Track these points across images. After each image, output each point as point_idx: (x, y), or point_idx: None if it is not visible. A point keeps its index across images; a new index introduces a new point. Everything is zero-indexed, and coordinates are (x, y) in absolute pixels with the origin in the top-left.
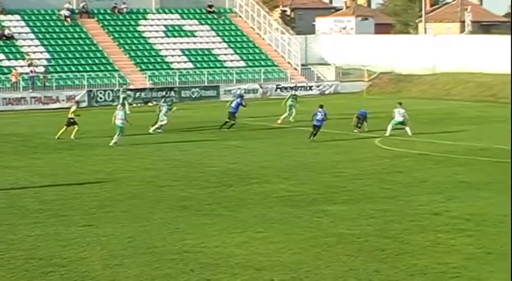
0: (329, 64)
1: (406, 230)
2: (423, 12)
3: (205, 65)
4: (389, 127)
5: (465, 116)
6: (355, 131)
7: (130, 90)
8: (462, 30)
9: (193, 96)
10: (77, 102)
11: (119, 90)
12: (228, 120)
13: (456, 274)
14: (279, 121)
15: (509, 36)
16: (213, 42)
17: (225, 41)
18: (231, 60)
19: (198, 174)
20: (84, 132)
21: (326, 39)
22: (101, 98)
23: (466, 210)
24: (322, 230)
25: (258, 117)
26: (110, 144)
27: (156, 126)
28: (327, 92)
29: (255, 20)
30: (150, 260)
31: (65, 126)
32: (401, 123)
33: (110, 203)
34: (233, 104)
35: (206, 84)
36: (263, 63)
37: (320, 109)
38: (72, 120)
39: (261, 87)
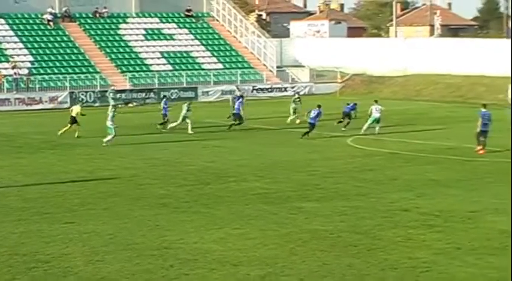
0: (303, 66)
1: (377, 226)
2: (394, 16)
3: (183, 67)
4: (366, 125)
5: (435, 116)
6: (343, 129)
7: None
8: (431, 34)
9: (172, 98)
10: (81, 101)
11: (106, 91)
12: (234, 122)
13: (426, 269)
14: (298, 121)
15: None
16: (191, 45)
17: (203, 44)
18: (209, 63)
19: (176, 173)
20: (67, 133)
21: (300, 42)
22: (82, 99)
23: (435, 207)
24: (296, 227)
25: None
26: (104, 144)
27: (173, 124)
28: (301, 93)
29: (231, 24)
30: (131, 256)
31: (68, 125)
32: (378, 120)
33: (91, 201)
34: (236, 105)
35: (185, 85)
36: (240, 65)
37: (317, 108)
38: (74, 118)
39: (238, 88)
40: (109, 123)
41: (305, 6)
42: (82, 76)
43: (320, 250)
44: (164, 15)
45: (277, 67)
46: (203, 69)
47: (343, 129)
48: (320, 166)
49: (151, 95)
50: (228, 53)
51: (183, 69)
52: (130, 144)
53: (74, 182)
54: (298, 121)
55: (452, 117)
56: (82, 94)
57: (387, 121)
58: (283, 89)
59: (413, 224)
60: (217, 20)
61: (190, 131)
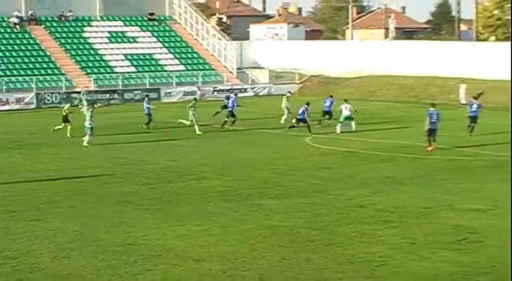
0: (263, 68)
1: (334, 222)
2: (350, 19)
3: (146, 69)
4: (339, 125)
5: (389, 115)
6: (317, 126)
7: (77, 93)
8: (386, 36)
9: (136, 98)
10: (70, 101)
11: (79, 92)
12: (226, 119)
13: (382, 263)
14: (282, 121)
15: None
16: (154, 48)
17: (165, 47)
18: (171, 65)
19: (140, 171)
20: (33, 133)
21: (260, 44)
22: (48, 100)
23: (390, 203)
24: (257, 223)
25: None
26: (83, 144)
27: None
28: (261, 93)
29: (193, 27)
30: (96, 252)
31: (62, 123)
32: (348, 118)
33: (57, 199)
34: (230, 104)
35: (148, 87)
36: (201, 67)
37: (306, 105)
38: (65, 117)
39: (199, 89)
40: (87, 123)
41: (264, 9)
42: (48, 78)
43: (279, 245)
44: (128, 18)
45: (238, 69)
46: (166, 71)
47: (328, 122)
48: (280, 164)
49: (116, 96)
50: (189, 55)
51: (146, 71)
52: (96, 144)
53: (41, 181)
54: (294, 120)
55: (406, 116)
56: (48, 95)
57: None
58: (243, 90)
59: (369, 220)
60: (179, 23)
61: (198, 132)
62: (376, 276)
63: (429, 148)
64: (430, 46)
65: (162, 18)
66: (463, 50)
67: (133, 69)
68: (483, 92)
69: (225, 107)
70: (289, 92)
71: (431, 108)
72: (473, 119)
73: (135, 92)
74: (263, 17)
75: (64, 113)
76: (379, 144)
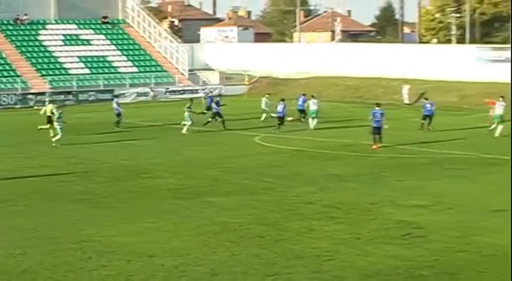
0: (213, 69)
1: (283, 218)
2: (297, 22)
3: (100, 71)
4: (310, 121)
5: (335, 115)
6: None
7: (32, 94)
8: (332, 39)
9: (90, 99)
10: (52, 101)
11: (27, 93)
12: (210, 119)
13: (329, 257)
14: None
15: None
16: (108, 50)
17: (119, 49)
18: (124, 66)
19: (94, 170)
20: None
21: (210, 47)
22: (4, 101)
23: (336, 199)
24: (208, 220)
25: (149, 119)
26: (53, 144)
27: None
28: (210, 94)
29: (145, 30)
30: (51, 249)
31: (48, 124)
32: (316, 112)
33: (13, 197)
34: (213, 105)
35: (102, 88)
36: (153, 69)
37: (281, 102)
38: (49, 117)
39: (152, 90)
40: (56, 124)
41: (215, 13)
42: (4, 80)
43: (230, 241)
44: (82, 21)
45: (189, 70)
46: (119, 72)
47: (303, 120)
48: (230, 162)
49: (70, 97)
50: (142, 58)
51: (100, 73)
52: (51, 144)
53: None
54: (290, 118)
55: (351, 116)
56: (4, 97)
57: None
58: (194, 91)
59: (317, 216)
60: (132, 27)
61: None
62: (323, 270)
63: (374, 146)
64: (375, 48)
65: (115, 21)
66: (407, 52)
67: (87, 71)
68: (425, 92)
69: (209, 108)
70: (268, 94)
71: (376, 108)
72: (429, 117)
73: (89, 93)
74: (214, 20)
75: (48, 114)
76: (326, 143)
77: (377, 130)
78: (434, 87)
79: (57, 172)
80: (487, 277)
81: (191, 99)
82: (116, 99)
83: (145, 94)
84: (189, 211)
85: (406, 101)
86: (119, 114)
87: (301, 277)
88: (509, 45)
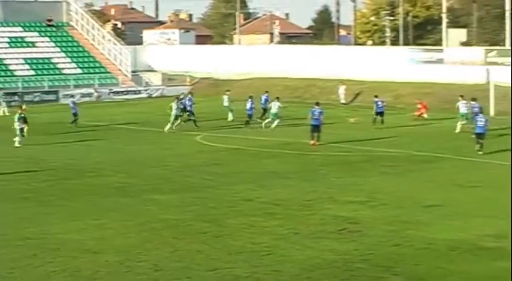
0: (156, 71)
1: (224, 214)
2: (237, 25)
3: (45, 72)
4: (271, 121)
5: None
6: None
7: None
8: (271, 41)
9: (35, 100)
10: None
11: None
12: (189, 118)
13: (268, 252)
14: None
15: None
16: (53, 52)
17: (63, 51)
18: (69, 68)
19: (39, 169)
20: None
21: (153, 49)
22: None
23: (275, 196)
24: (151, 217)
25: (94, 119)
26: (15, 145)
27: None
28: (154, 95)
29: (89, 33)
30: None
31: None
32: (275, 115)
33: None
34: (188, 103)
35: (47, 89)
36: (97, 70)
37: (249, 99)
38: (24, 118)
39: (96, 91)
40: (16, 124)
41: (157, 16)
42: None
43: (172, 237)
44: (27, 24)
45: (132, 72)
46: (63, 74)
47: (266, 122)
48: (172, 161)
49: (16, 98)
50: (86, 59)
51: (45, 74)
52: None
53: None
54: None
55: (290, 116)
56: None
57: (235, 120)
58: (137, 92)
59: (256, 213)
60: (76, 29)
61: (167, 127)
62: (263, 265)
63: (311, 142)
64: (312, 50)
65: (59, 24)
66: (343, 54)
67: (32, 72)
68: (360, 93)
69: (184, 109)
70: (228, 90)
71: (316, 107)
72: (380, 114)
73: (35, 94)
74: (156, 23)
75: (22, 114)
76: (266, 141)
77: (316, 128)
78: (369, 87)
79: (3, 172)
80: (421, 269)
81: (182, 94)
82: (72, 99)
83: (89, 95)
84: (132, 209)
85: (343, 101)
86: (75, 114)
87: (241, 272)
88: (441, 47)
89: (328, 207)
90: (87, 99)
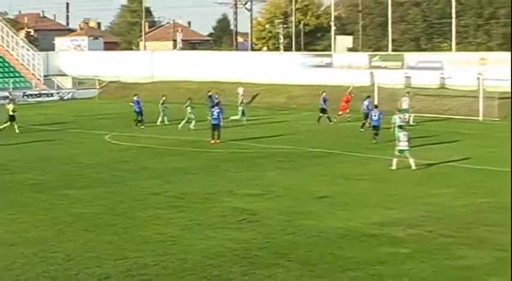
0: (67, 75)
1: (132, 208)
2: (143, 33)
3: None
4: (238, 117)
5: (178, 116)
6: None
7: None
8: (175, 47)
9: None
10: (13, 100)
11: None
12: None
13: (173, 242)
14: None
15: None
16: None
17: None
18: None
19: None
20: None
21: (64, 55)
22: None
23: (179, 190)
24: (63, 211)
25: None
26: None
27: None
28: (65, 98)
29: (4, 39)
30: None
31: (9, 122)
32: (243, 113)
33: None
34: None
35: None
36: (12, 75)
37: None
38: (13, 116)
39: (10, 94)
40: None
41: (68, 24)
42: None
43: (84, 229)
44: None
45: (44, 76)
46: None
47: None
48: (83, 159)
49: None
50: (1, 64)
51: None
52: None
53: None
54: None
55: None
56: None
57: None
58: (49, 95)
59: (162, 206)
60: None
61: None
62: (168, 253)
63: (212, 142)
64: (212, 55)
65: None
66: (240, 59)
67: None
68: (257, 94)
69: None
70: (190, 98)
71: (216, 107)
72: (323, 111)
73: None
74: (67, 31)
75: (11, 113)
76: (171, 140)
77: (216, 127)
78: (265, 89)
79: None
80: (313, 255)
81: (189, 98)
82: (11, 101)
83: (4, 98)
84: (46, 203)
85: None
86: (12, 116)
87: (149, 260)
88: (330, 53)
89: (228, 200)
90: (1, 102)
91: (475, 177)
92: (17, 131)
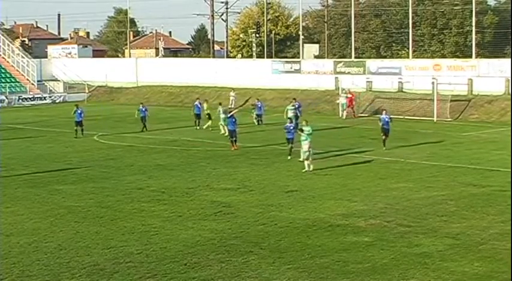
0: (59, 80)
1: (118, 201)
2: (128, 41)
3: None
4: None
5: (161, 117)
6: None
7: None
8: (157, 54)
9: None
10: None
11: None
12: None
13: (156, 232)
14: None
15: (191, 58)
16: None
17: None
18: None
19: None
20: None
21: (56, 62)
22: None
23: (162, 185)
24: (55, 204)
25: (5, 122)
26: None
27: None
28: (57, 101)
29: (0, 48)
30: None
31: None
32: (224, 119)
33: None
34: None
35: None
36: (8, 80)
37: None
38: None
39: (7, 98)
40: None
41: (59, 33)
42: None
43: (74, 221)
44: None
45: (38, 81)
46: None
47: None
48: (73, 157)
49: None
50: None
51: None
52: None
53: None
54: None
55: (174, 117)
56: None
57: (125, 121)
58: (43, 98)
59: (146, 199)
60: None
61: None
62: (152, 243)
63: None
64: (191, 62)
65: None
66: (217, 65)
67: None
68: (249, 100)
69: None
70: (220, 103)
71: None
72: (258, 116)
73: None
74: (58, 40)
75: None
76: (154, 139)
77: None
78: (240, 93)
79: None
80: (283, 244)
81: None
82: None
83: (1, 101)
84: (39, 198)
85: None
86: None
87: (133, 249)
88: (299, 59)
89: (206, 193)
90: None
91: (431, 172)
92: None
